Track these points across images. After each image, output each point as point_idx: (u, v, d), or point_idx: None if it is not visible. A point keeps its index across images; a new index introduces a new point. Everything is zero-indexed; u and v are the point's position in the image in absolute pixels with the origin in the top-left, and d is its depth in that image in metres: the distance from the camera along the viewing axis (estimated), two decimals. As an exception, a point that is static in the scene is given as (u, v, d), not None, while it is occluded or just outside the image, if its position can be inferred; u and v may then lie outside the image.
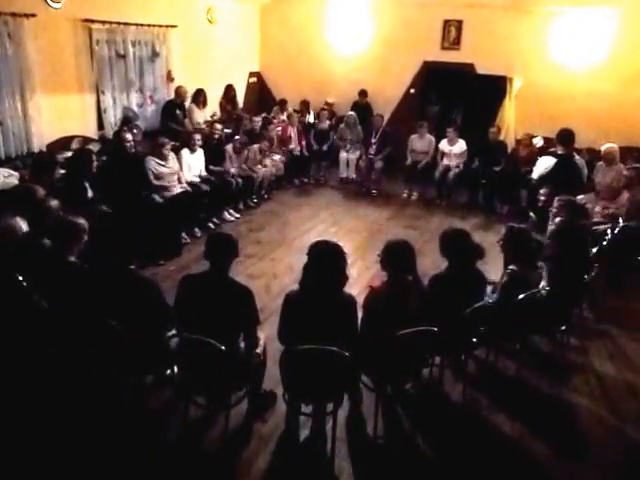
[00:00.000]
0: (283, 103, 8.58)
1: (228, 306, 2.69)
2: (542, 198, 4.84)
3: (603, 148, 6.01)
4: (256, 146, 6.96)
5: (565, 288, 3.53)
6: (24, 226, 3.32)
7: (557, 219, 3.77)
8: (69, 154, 5.28)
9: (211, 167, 6.29)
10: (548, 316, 3.65)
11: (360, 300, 2.94)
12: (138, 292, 2.82)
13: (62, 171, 4.79)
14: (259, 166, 6.98)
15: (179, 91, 7.20)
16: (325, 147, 8.15)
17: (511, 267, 3.34)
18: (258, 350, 2.91)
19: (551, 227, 3.76)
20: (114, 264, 2.83)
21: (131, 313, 2.73)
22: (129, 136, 5.35)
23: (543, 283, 3.63)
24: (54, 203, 3.65)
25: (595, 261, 4.13)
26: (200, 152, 6.12)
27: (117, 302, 2.74)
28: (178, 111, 7.11)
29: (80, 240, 3.14)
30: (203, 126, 7.22)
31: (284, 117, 8.22)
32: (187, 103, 7.34)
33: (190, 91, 7.34)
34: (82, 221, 3.18)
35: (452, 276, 3.15)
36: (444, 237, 3.24)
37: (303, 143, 8.00)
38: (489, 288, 3.43)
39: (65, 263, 3.04)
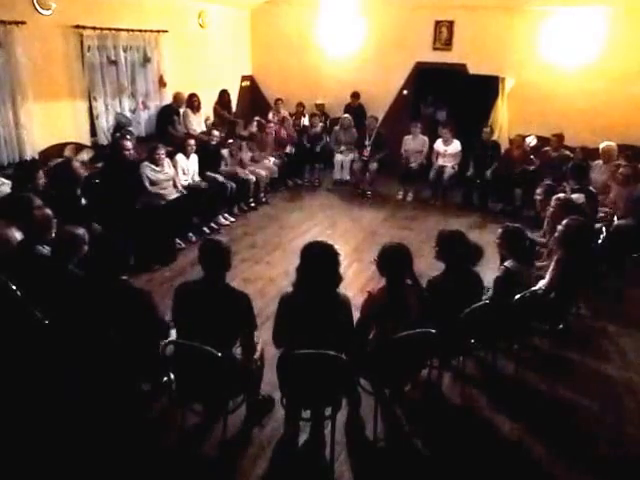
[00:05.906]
0: (278, 101, 8.64)
1: (225, 313, 2.66)
2: (538, 197, 4.79)
3: (601, 146, 6.02)
4: (244, 144, 7.02)
5: (567, 287, 3.54)
6: (18, 235, 3.29)
7: (564, 221, 3.71)
8: (59, 161, 5.20)
9: (208, 172, 6.26)
10: (546, 315, 3.66)
11: (356, 302, 2.91)
12: (130, 302, 2.78)
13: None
14: (252, 167, 6.97)
15: (177, 97, 7.22)
16: (318, 148, 8.17)
17: (506, 264, 3.33)
18: (255, 356, 2.89)
19: (560, 228, 3.72)
20: (106, 274, 2.78)
21: (124, 323, 2.70)
22: (129, 144, 5.28)
23: (543, 282, 3.63)
24: (48, 213, 3.54)
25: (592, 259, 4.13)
26: (194, 157, 6.09)
27: (110, 312, 2.70)
28: (175, 116, 7.11)
29: (80, 251, 3.14)
30: (198, 131, 7.21)
31: (284, 114, 8.22)
32: (182, 108, 7.33)
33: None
34: (81, 232, 3.17)
35: (449, 279, 3.12)
36: (440, 239, 3.21)
37: (294, 136, 8.03)
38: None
39: (63, 272, 3.01)
